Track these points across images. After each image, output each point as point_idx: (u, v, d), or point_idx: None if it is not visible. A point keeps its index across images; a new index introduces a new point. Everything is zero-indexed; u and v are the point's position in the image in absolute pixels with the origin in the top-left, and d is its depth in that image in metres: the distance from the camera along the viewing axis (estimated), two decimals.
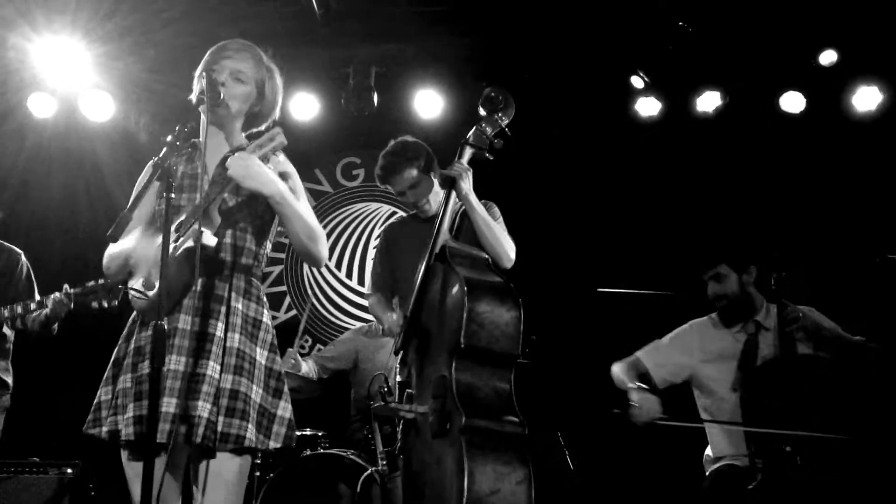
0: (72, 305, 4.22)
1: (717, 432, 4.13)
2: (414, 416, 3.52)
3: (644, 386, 4.01)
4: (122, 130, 6.78)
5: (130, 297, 2.77)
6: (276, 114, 3.06)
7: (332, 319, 7.00)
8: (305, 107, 6.54)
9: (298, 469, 4.89)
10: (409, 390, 3.61)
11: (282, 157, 2.84)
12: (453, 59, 6.47)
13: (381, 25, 6.23)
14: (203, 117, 2.87)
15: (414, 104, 6.59)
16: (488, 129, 3.74)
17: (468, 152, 3.73)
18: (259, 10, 5.92)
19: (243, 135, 2.97)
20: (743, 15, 5.88)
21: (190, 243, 2.64)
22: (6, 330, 4.42)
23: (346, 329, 6.64)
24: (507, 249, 3.82)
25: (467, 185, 3.70)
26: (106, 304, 4.12)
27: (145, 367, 2.65)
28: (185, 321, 2.69)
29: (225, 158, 2.77)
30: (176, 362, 2.64)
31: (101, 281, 4.13)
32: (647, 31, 6.08)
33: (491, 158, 3.75)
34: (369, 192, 7.22)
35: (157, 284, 2.63)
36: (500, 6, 5.94)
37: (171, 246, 2.65)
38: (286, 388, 2.81)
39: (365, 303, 6.75)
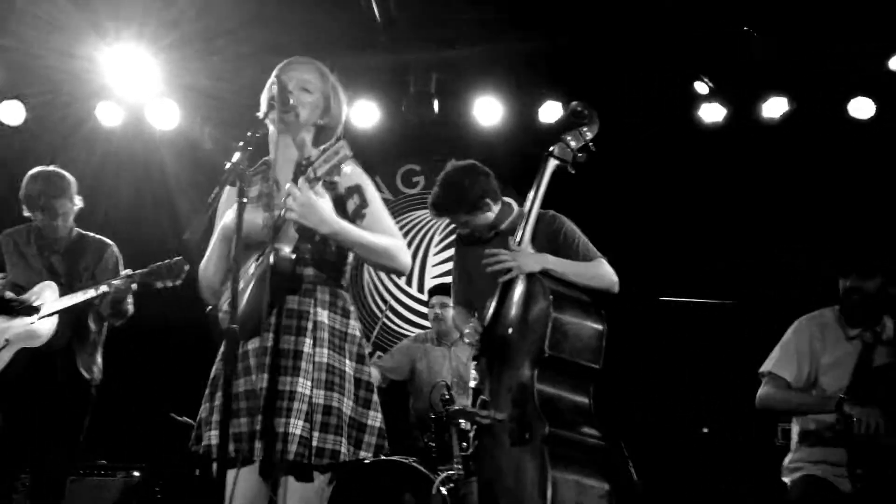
0: (134, 287, 4.27)
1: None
2: (491, 423, 3.50)
3: (846, 396, 3.84)
4: (187, 138, 6.89)
5: (220, 318, 2.80)
6: (342, 128, 3.06)
7: (393, 327, 7.02)
8: (366, 114, 6.57)
9: (362, 476, 4.90)
10: (483, 397, 3.59)
11: (349, 170, 2.77)
12: (514, 66, 6.46)
13: (442, 32, 6.24)
14: (272, 127, 2.89)
15: (474, 111, 6.59)
16: (573, 143, 3.68)
17: (552, 164, 3.68)
18: (320, 19, 5.96)
19: (315, 149, 2.97)
20: (810, 20, 5.77)
21: (271, 262, 2.65)
22: (90, 322, 4.49)
23: (407, 336, 6.65)
24: (604, 281, 3.65)
25: (530, 266, 3.54)
26: (170, 284, 4.22)
27: (239, 386, 2.70)
28: (272, 339, 2.70)
29: (297, 173, 2.79)
30: (266, 380, 2.65)
31: (165, 261, 4.24)
32: (711, 36, 6.00)
33: (573, 172, 3.70)
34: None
35: (242, 303, 2.68)
36: (561, 12, 5.90)
37: (253, 265, 2.69)
38: (375, 398, 2.81)
39: (424, 309, 6.76)
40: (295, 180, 2.71)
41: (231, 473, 2.62)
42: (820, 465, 3.87)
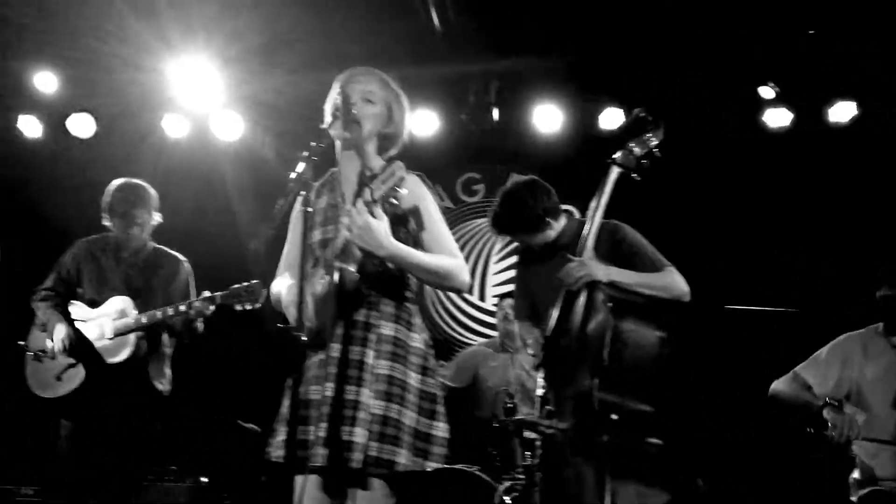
0: (212, 307, 4.33)
1: (871, 453, 3.92)
2: (554, 432, 3.48)
3: (835, 402, 3.83)
4: (249, 150, 6.98)
5: (290, 329, 2.84)
6: (405, 137, 3.08)
7: (455, 336, 7.02)
8: (425, 123, 6.59)
9: (424, 485, 4.89)
10: (549, 407, 3.57)
11: (407, 190, 2.75)
12: (573, 73, 6.43)
13: (502, 40, 6.23)
14: (337, 140, 2.92)
15: (533, 119, 6.57)
16: (637, 150, 3.62)
17: (615, 172, 3.63)
18: (380, 29, 6.00)
19: (379, 159, 3.00)
20: (877, 22, 5.64)
21: (336, 278, 2.72)
22: (163, 337, 4.57)
23: (468, 344, 6.64)
24: (673, 291, 3.61)
25: (597, 276, 3.49)
26: (249, 307, 4.26)
27: (308, 394, 2.75)
28: (337, 350, 2.75)
29: (360, 189, 2.83)
30: (330, 390, 2.71)
31: (243, 284, 4.27)
32: (776, 40, 5.90)
33: (638, 179, 3.66)
34: (490, 206, 7.19)
35: (311, 319, 2.74)
36: (623, 18, 5.86)
37: (321, 283, 2.74)
38: (441, 409, 2.82)
39: (486, 318, 6.76)
40: (356, 198, 2.74)
41: (299, 479, 2.67)
42: (887, 482, 3.82)
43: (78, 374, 4.38)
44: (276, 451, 2.75)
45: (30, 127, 6.87)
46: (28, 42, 6.15)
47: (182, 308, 4.31)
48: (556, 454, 3.48)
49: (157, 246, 4.70)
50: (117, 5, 5.57)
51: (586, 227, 3.60)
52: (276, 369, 2.87)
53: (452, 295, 7.06)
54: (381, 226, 2.67)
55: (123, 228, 4.52)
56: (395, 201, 2.68)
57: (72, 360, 4.40)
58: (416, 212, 2.86)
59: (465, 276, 2.90)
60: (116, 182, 4.62)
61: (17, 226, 6.48)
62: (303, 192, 2.65)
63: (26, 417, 5.28)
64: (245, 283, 4.28)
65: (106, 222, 4.59)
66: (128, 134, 6.93)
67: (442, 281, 2.86)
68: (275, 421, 2.84)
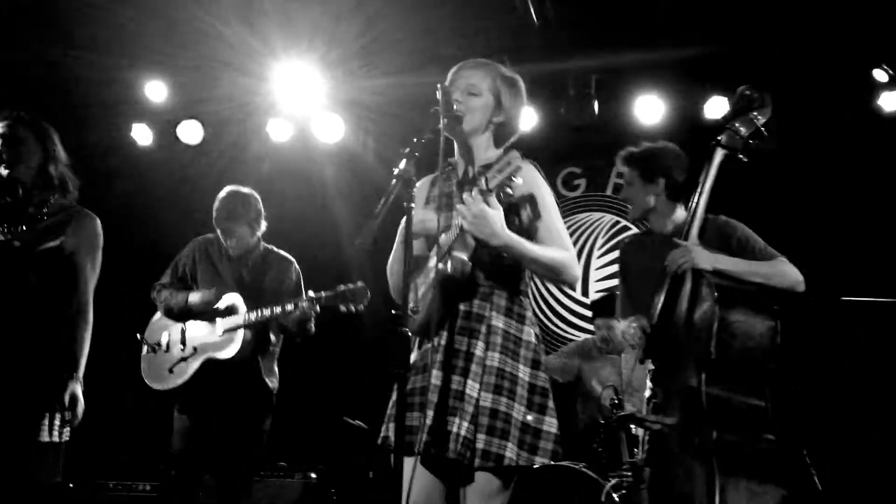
0: (318, 308, 4.40)
1: None
2: (661, 428, 3.41)
3: None
4: (349, 151, 7.09)
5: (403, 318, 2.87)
6: (520, 123, 3.04)
7: (557, 331, 6.97)
8: (525, 118, 6.53)
9: (531, 482, 4.88)
10: (656, 401, 3.50)
11: (523, 179, 2.71)
12: (676, 62, 6.29)
13: (600, 33, 6.15)
14: (445, 133, 2.91)
15: (635, 110, 6.47)
16: (742, 130, 3.49)
17: (719, 155, 3.52)
18: (479, 26, 6.01)
19: (494, 149, 2.99)
20: None
21: (449, 268, 2.71)
22: (271, 334, 4.68)
23: (567, 339, 6.59)
24: (785, 280, 3.47)
25: (703, 262, 3.40)
26: (353, 308, 4.31)
27: (416, 382, 2.76)
28: (447, 339, 2.75)
29: (474, 180, 2.81)
30: (437, 378, 2.71)
31: (348, 286, 4.33)
32: (890, 22, 5.65)
33: (745, 160, 3.53)
34: (591, 201, 7.15)
35: (421, 308, 2.75)
36: (728, 3, 5.70)
37: (433, 268, 2.75)
38: (551, 404, 2.78)
39: (588, 313, 6.68)
40: (470, 188, 2.73)
41: (408, 463, 2.67)
42: None
43: (189, 368, 4.53)
44: (386, 435, 2.78)
45: (142, 135, 7.10)
46: (139, 52, 6.37)
47: (289, 307, 4.39)
48: (664, 451, 3.40)
49: (268, 246, 4.81)
50: (224, 13, 5.72)
51: (690, 212, 3.52)
52: (383, 358, 2.90)
53: (553, 289, 7.01)
54: (496, 215, 2.64)
55: (238, 234, 4.66)
56: (509, 191, 2.65)
57: (184, 354, 4.55)
58: (531, 201, 2.82)
59: (576, 271, 2.85)
60: (222, 192, 4.73)
61: (132, 230, 6.73)
62: (406, 189, 2.66)
63: (144, 413, 5.46)
64: (350, 285, 4.34)
65: (217, 229, 4.73)
66: (234, 139, 7.13)
67: (553, 274, 2.82)
68: (390, 408, 2.85)
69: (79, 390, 3.44)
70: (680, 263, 3.38)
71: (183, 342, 4.60)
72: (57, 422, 3.43)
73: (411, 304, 2.66)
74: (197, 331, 4.58)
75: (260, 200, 4.74)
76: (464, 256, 2.71)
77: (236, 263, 4.70)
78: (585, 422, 5.59)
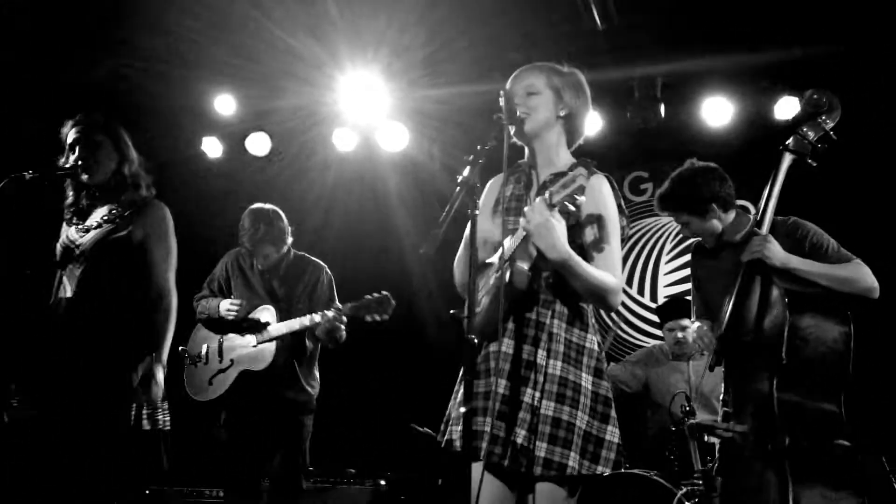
0: (345, 319, 4.48)
1: None
2: (732, 436, 3.35)
3: None
4: (413, 160, 7.12)
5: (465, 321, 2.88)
6: (586, 115, 3.02)
7: (627, 338, 6.90)
8: (590, 123, 6.48)
9: (602, 490, 4.84)
10: (726, 409, 3.45)
11: (592, 197, 2.73)
12: (744, 64, 6.18)
13: (666, 35, 6.08)
14: (506, 140, 2.92)
15: (702, 112, 6.37)
16: (810, 134, 3.45)
17: (787, 159, 3.47)
18: (543, 33, 5.99)
19: (566, 152, 2.98)
20: None
21: (511, 274, 2.71)
22: (307, 342, 4.77)
23: (638, 345, 6.52)
24: (859, 285, 3.40)
25: (776, 256, 3.36)
26: (378, 318, 4.41)
27: (479, 387, 2.76)
28: (508, 346, 2.75)
29: (543, 186, 2.83)
30: (498, 385, 2.71)
31: (374, 295, 4.43)
32: None
33: (814, 165, 3.48)
34: None
35: (481, 309, 2.75)
36: (791, 4, 5.59)
37: (494, 274, 2.75)
38: (613, 413, 2.76)
39: (656, 318, 6.59)
40: (538, 194, 2.73)
41: (476, 468, 2.67)
42: None
43: (227, 379, 4.65)
44: (450, 438, 2.78)
45: (212, 148, 7.23)
46: (208, 66, 6.49)
47: (317, 319, 4.48)
48: (736, 458, 3.34)
49: (299, 253, 4.90)
50: (291, 25, 5.81)
51: (758, 214, 3.48)
52: (448, 362, 2.91)
53: (624, 297, 6.93)
54: (559, 227, 2.63)
55: (265, 250, 4.75)
56: (572, 208, 2.63)
57: (221, 366, 4.66)
58: (598, 221, 2.80)
59: (619, 298, 2.83)
60: (249, 209, 4.81)
61: (203, 242, 6.85)
62: (470, 197, 2.66)
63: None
64: (375, 295, 4.44)
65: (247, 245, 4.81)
66: (300, 149, 7.22)
67: (595, 298, 2.78)
68: (453, 410, 2.87)
69: (159, 374, 3.51)
70: (755, 251, 3.33)
71: (220, 354, 4.72)
72: (145, 410, 3.52)
73: (468, 309, 2.67)
74: (233, 343, 4.72)
75: (283, 216, 4.82)
76: (525, 266, 2.71)
77: (268, 275, 4.80)
78: (655, 430, 5.51)
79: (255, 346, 4.63)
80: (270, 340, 4.61)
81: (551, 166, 2.92)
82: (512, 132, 2.87)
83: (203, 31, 5.96)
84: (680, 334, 5.45)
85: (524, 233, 2.67)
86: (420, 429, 5.70)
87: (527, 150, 2.97)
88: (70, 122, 3.70)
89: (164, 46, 6.19)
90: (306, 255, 4.93)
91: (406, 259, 6.98)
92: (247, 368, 4.63)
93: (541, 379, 2.68)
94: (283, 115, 6.93)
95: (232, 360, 4.68)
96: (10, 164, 3.66)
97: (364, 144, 7.05)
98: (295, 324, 4.55)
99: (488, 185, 3.06)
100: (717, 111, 6.31)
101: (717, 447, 3.55)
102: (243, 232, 4.74)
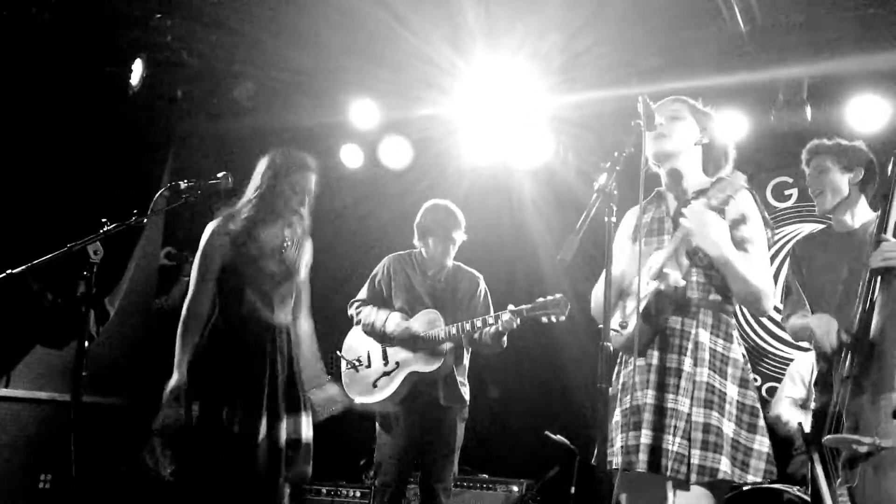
0: (519, 321, 4.48)
1: None
2: (869, 450, 3.19)
3: None
4: (548, 166, 7.08)
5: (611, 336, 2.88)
6: (728, 150, 3.03)
7: (768, 349, 6.66)
8: (734, 127, 6.32)
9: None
10: (846, 421, 3.29)
11: (743, 198, 2.81)
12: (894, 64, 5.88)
13: (812, 34, 5.86)
14: (652, 159, 2.94)
15: (849, 116, 6.09)
16: None
17: None
18: (683, 38, 5.87)
19: (704, 176, 2.98)
20: None
21: (661, 286, 2.75)
22: (465, 349, 4.80)
23: (779, 356, 6.31)
24: None
25: None
26: (555, 319, 4.40)
27: (627, 402, 2.79)
28: (655, 357, 2.78)
29: (686, 202, 2.86)
30: (649, 396, 2.74)
31: (549, 297, 4.43)
32: None
33: None
34: (804, 212, 6.80)
35: (629, 325, 2.75)
36: None
37: (645, 288, 2.77)
38: (762, 423, 2.76)
39: None
40: (684, 204, 2.76)
41: (620, 481, 2.71)
42: None
43: (393, 382, 4.69)
44: (616, 458, 2.77)
45: (350, 156, 7.36)
46: (347, 75, 6.65)
47: (490, 320, 4.49)
48: (882, 476, 3.17)
49: (457, 263, 4.93)
50: (425, 34, 5.89)
51: (883, 221, 3.30)
52: (583, 371, 2.91)
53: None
54: (722, 225, 2.71)
55: (440, 247, 4.77)
56: (726, 207, 2.74)
57: (387, 369, 4.71)
58: (745, 222, 2.84)
59: (770, 304, 2.85)
60: (430, 203, 4.89)
61: (339, 250, 7.02)
62: (607, 203, 2.66)
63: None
64: (550, 297, 4.42)
65: (417, 241, 4.87)
66: (434, 159, 7.29)
67: (753, 299, 2.82)
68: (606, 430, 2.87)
69: None
70: (888, 258, 3.17)
71: (385, 357, 4.78)
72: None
73: (620, 320, 2.68)
74: (398, 345, 4.74)
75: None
76: (677, 274, 2.72)
77: (431, 279, 4.85)
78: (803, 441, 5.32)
79: (422, 348, 4.67)
80: (441, 343, 4.65)
81: (693, 188, 2.94)
82: (651, 157, 2.88)
83: (339, 41, 6.11)
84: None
85: (675, 243, 2.70)
86: (554, 437, 5.68)
87: (663, 177, 2.96)
88: (299, 164, 3.96)
89: (305, 58, 6.38)
90: (463, 265, 4.99)
91: (541, 266, 6.96)
92: (415, 370, 4.67)
93: (690, 386, 2.71)
94: (419, 123, 7.00)
95: (398, 363, 4.74)
96: None
97: (499, 153, 7.04)
98: (468, 325, 4.57)
99: (625, 216, 3.09)
100: (867, 113, 6.02)
101: (843, 462, 3.35)
102: (435, 223, 4.82)
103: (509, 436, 6.50)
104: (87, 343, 3.48)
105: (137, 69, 6.06)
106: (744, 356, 2.82)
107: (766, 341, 6.67)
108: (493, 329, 4.52)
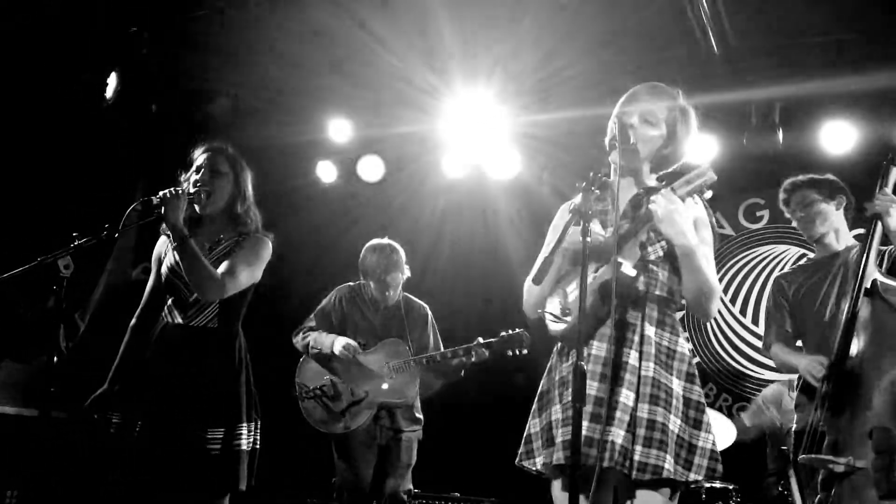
0: (487, 353, 4.62)
1: None
2: (845, 471, 3.21)
3: None
4: (524, 185, 7.11)
5: (546, 321, 2.85)
6: (686, 156, 3.00)
7: (736, 367, 6.71)
8: (705, 148, 6.38)
9: None
10: (830, 440, 3.32)
11: (697, 201, 2.79)
12: (866, 89, 5.96)
13: (784, 59, 5.92)
14: (614, 163, 2.90)
15: (822, 139, 6.17)
16: None
17: (894, 173, 3.39)
18: (657, 58, 5.91)
19: (653, 177, 2.97)
20: None
21: (608, 275, 2.67)
22: (432, 379, 4.88)
23: (753, 377, 6.34)
24: None
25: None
26: (518, 352, 4.53)
27: (569, 395, 2.68)
28: (599, 348, 2.71)
29: (637, 197, 2.84)
30: (593, 388, 2.65)
31: (510, 332, 4.57)
32: None
33: None
34: (775, 233, 6.86)
35: (571, 312, 2.71)
36: None
37: (591, 277, 2.72)
38: (706, 419, 2.71)
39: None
40: (633, 206, 2.74)
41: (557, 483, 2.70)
42: None
43: (363, 411, 4.70)
44: (557, 453, 2.68)
45: (326, 172, 7.36)
46: (323, 93, 6.65)
47: (460, 352, 4.56)
48: (853, 496, 3.21)
49: (405, 294, 5.03)
50: (402, 53, 5.90)
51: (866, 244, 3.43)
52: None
53: (736, 325, 6.74)
54: (688, 215, 2.69)
55: (378, 288, 4.85)
56: (692, 202, 2.73)
57: (354, 398, 4.71)
58: (699, 225, 2.81)
59: (717, 307, 2.83)
60: (368, 245, 4.92)
61: (315, 267, 6.99)
62: (581, 223, 2.65)
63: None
64: (513, 331, 4.58)
65: (362, 280, 4.95)
66: (410, 176, 7.30)
67: (704, 297, 2.77)
68: (535, 427, 2.86)
69: None
70: (880, 206, 3.39)
71: (352, 386, 4.75)
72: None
73: (560, 308, 2.66)
74: (364, 375, 4.77)
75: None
76: (629, 264, 2.68)
77: (384, 312, 4.88)
78: (773, 462, 5.37)
79: (392, 379, 4.74)
80: (406, 372, 4.73)
81: (634, 188, 2.93)
82: (618, 158, 2.84)
83: (317, 60, 6.11)
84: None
85: (638, 227, 2.69)
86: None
87: (613, 169, 2.90)
88: (202, 146, 3.67)
89: (282, 76, 6.37)
90: (411, 296, 5.06)
91: (516, 285, 6.95)
92: (386, 401, 4.72)
93: (635, 380, 2.65)
94: (395, 140, 7.02)
95: (366, 392, 4.74)
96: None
97: (475, 171, 7.08)
98: (437, 356, 4.70)
99: (560, 212, 3.05)
100: (839, 137, 6.10)
101: (820, 481, 3.39)
102: (372, 266, 4.83)
103: (477, 454, 6.47)
104: (55, 358, 3.42)
105: (112, 82, 6.02)
106: (690, 351, 2.78)
107: (742, 365, 6.72)
108: (458, 361, 4.61)
